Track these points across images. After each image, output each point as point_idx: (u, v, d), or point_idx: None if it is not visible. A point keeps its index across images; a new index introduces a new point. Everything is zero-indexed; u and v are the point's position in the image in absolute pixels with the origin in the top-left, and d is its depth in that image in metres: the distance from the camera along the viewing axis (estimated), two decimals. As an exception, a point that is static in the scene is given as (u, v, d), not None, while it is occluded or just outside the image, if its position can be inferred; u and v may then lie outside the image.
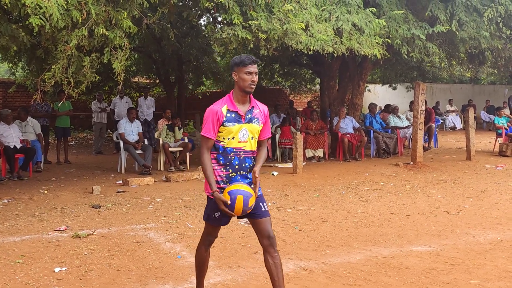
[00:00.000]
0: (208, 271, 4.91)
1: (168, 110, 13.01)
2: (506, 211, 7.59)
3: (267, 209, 3.93)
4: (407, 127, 14.43)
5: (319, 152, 12.98)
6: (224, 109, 3.81)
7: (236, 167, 3.83)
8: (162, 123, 12.54)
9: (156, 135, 12.46)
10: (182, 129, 12.49)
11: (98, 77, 8.95)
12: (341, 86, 15.01)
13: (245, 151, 3.86)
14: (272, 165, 12.19)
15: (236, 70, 3.81)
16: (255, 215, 3.86)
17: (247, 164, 3.87)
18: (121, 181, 9.91)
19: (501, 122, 15.32)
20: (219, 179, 3.83)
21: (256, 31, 8.80)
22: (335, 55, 10.46)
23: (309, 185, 9.76)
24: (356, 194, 8.88)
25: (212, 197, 3.79)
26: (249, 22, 8.73)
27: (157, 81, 21.28)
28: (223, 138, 3.82)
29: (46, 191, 9.03)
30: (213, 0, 8.55)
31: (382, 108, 17.18)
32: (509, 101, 23.68)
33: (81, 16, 7.47)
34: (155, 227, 6.67)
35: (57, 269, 4.98)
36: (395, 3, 11.04)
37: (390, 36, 10.75)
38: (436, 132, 16.52)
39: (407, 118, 15.03)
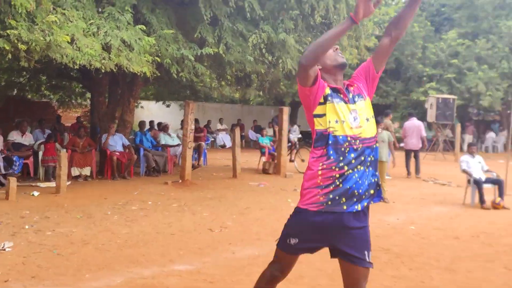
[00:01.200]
0: None
1: None
2: (265, 226, 8.01)
3: (369, 260, 3.14)
4: (178, 145, 14.60)
5: (86, 171, 12.44)
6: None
7: (353, 161, 3.04)
8: None
9: None
10: None
11: None
12: (111, 102, 14.70)
13: (362, 139, 3.09)
14: (33, 184, 11.32)
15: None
16: (354, 261, 3.11)
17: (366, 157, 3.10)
18: None
19: (265, 141, 16.35)
20: (322, 198, 3.03)
21: (16, 41, 8.14)
22: (103, 71, 10.16)
23: (72, 205, 9.23)
24: (122, 214, 8.63)
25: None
26: (7, 31, 8.06)
27: None
28: (329, 122, 3.05)
29: None
30: (-36, 5, 7.73)
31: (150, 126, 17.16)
32: (273, 122, 25.48)
33: None
34: None
35: None
36: (165, 23, 11.11)
37: (160, 54, 10.77)
38: (206, 150, 17.02)
39: (178, 136, 15.22)
